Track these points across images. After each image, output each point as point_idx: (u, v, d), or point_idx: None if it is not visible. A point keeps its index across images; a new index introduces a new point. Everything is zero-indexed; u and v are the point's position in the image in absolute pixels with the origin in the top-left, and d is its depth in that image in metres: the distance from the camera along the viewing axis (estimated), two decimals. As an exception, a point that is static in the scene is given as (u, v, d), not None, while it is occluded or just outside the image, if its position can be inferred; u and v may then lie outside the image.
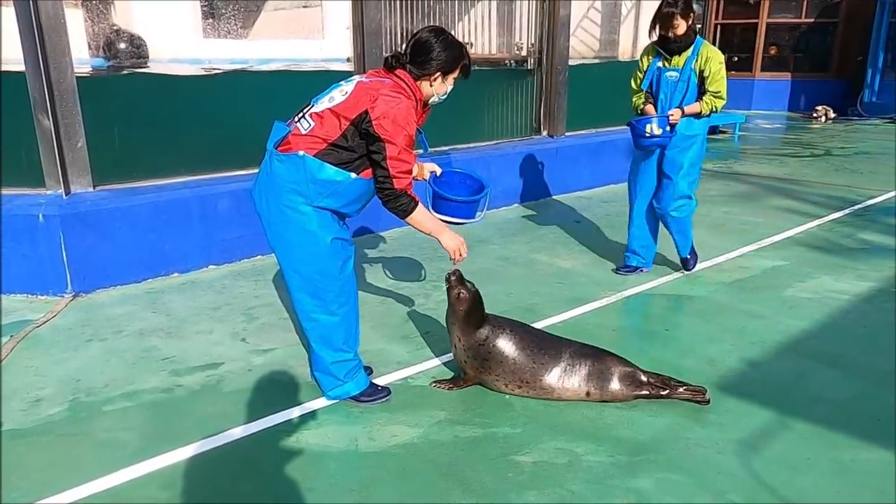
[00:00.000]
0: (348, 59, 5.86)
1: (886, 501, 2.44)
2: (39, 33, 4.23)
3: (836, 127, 14.05)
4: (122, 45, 4.94)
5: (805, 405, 3.08)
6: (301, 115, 2.79)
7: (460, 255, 2.95)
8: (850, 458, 2.69)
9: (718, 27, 17.13)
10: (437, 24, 6.14)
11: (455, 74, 2.89)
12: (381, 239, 5.80)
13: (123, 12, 5.09)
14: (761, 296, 4.44)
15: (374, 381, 3.22)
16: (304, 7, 6.47)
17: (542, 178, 7.32)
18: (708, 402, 3.06)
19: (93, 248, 4.47)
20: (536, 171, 7.24)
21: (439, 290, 4.46)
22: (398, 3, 6.09)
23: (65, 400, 3.15)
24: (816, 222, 6.32)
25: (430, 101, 2.92)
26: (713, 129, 12.42)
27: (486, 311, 3.18)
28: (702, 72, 4.33)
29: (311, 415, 3.02)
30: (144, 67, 5.05)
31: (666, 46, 4.36)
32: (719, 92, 4.34)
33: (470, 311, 3.09)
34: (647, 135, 4.30)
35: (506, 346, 3.09)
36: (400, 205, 2.77)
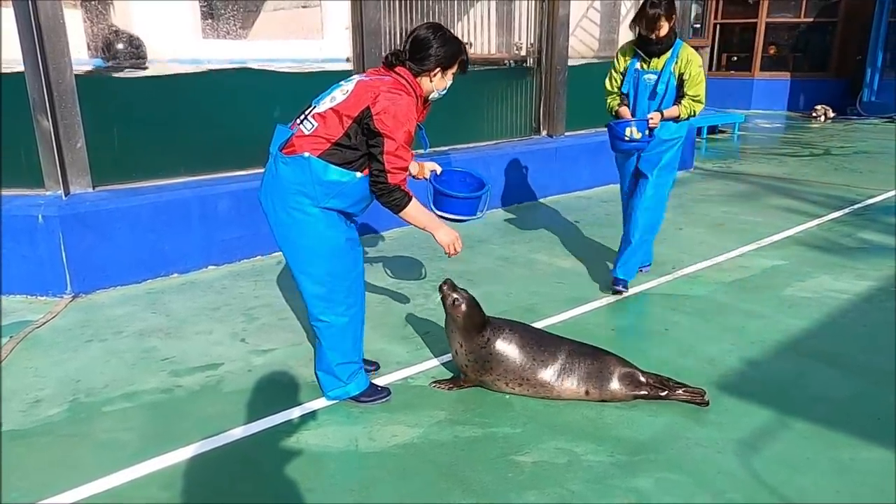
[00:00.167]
0: (348, 59, 5.86)
1: (886, 501, 2.45)
2: (38, 34, 4.23)
3: (836, 126, 14.05)
4: (121, 46, 4.94)
5: (805, 404, 3.09)
6: (303, 116, 2.80)
7: (455, 249, 2.97)
8: (849, 458, 2.69)
9: (717, 27, 17.12)
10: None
11: (454, 69, 2.91)
12: (382, 239, 5.80)
13: (122, 13, 5.09)
14: (761, 295, 4.44)
15: (373, 381, 3.22)
16: (304, 7, 6.47)
17: (541, 177, 7.32)
18: (707, 403, 3.06)
19: (92, 248, 4.47)
20: (536, 170, 7.24)
21: (439, 290, 4.46)
22: (397, 3, 6.09)
23: (64, 401, 3.15)
24: (816, 222, 6.32)
25: (430, 97, 2.94)
26: (712, 129, 12.43)
27: (485, 312, 3.18)
28: (681, 75, 4.21)
29: (311, 415, 3.02)
30: (143, 68, 5.05)
31: (646, 48, 4.22)
32: (698, 96, 4.22)
33: (468, 316, 3.08)
34: (627, 138, 4.18)
35: (506, 345, 3.09)
36: (393, 199, 2.78)
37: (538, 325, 3.80)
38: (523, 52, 7.43)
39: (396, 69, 2.83)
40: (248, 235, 5.14)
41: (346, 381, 3.06)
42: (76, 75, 4.44)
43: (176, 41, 5.31)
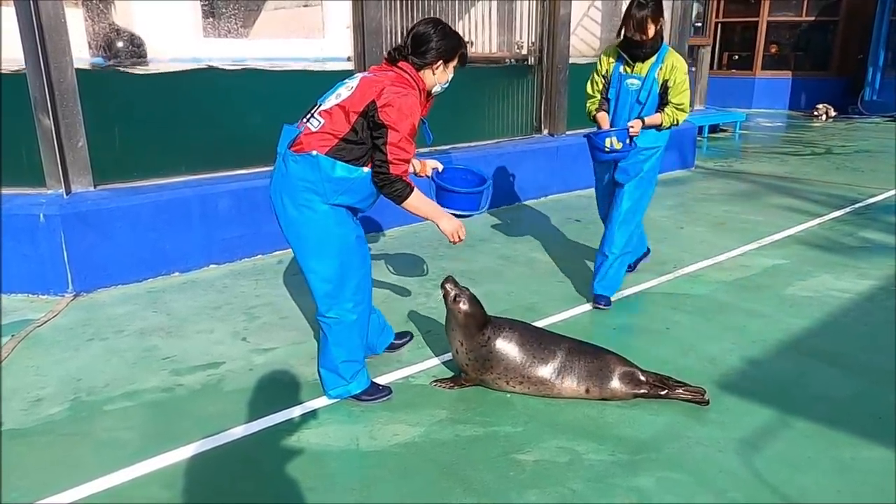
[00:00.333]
0: (349, 59, 5.86)
1: (887, 500, 2.44)
2: (40, 33, 4.23)
3: (837, 125, 14.04)
4: (122, 45, 4.95)
5: (806, 403, 3.08)
6: (310, 115, 2.84)
7: (459, 237, 3.00)
8: (850, 457, 2.68)
9: (719, 25, 17.10)
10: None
11: (455, 62, 2.97)
12: (383, 237, 5.80)
13: (123, 12, 5.09)
14: (762, 294, 4.44)
15: (374, 380, 3.22)
16: (305, 6, 6.47)
17: (542, 176, 7.32)
18: (707, 402, 3.06)
19: (93, 247, 4.47)
20: (537, 169, 7.24)
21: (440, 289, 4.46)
22: (398, 2, 6.09)
23: (65, 399, 3.15)
24: (817, 221, 6.32)
25: (433, 91, 3.00)
26: (714, 128, 12.42)
27: (486, 311, 3.18)
28: (665, 81, 4.00)
29: (312, 414, 3.02)
30: (144, 67, 5.05)
31: (631, 51, 4.02)
32: (682, 104, 4.03)
33: (469, 314, 3.09)
34: (607, 149, 3.98)
35: (507, 343, 3.09)
36: (395, 190, 2.81)
37: (539, 323, 3.80)
38: (524, 51, 7.42)
39: (399, 64, 2.88)
40: (249, 234, 5.14)
41: (349, 379, 3.07)
42: (78, 69, 4.43)
43: (177, 40, 5.31)
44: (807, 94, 16.53)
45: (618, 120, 4.15)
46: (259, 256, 5.25)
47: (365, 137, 2.76)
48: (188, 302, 4.36)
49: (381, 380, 3.28)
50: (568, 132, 7.68)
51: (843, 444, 2.77)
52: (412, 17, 6.17)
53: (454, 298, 3.09)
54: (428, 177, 3.29)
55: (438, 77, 2.95)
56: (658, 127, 4.12)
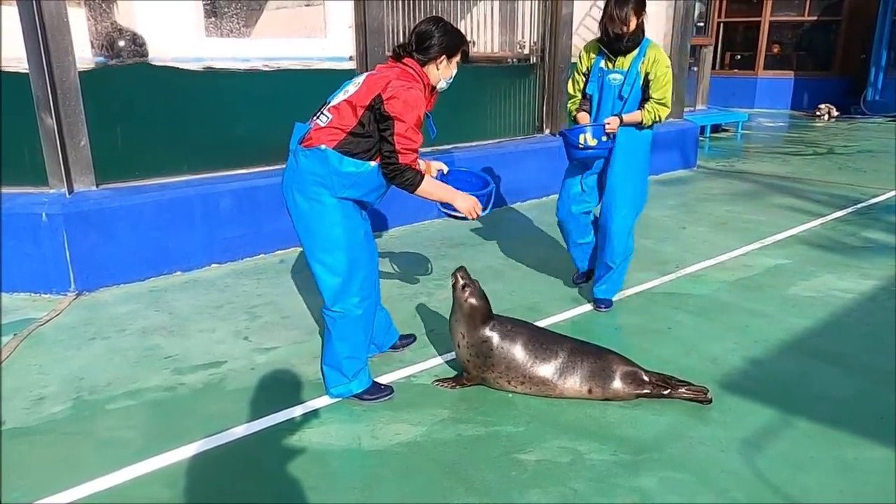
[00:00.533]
0: (351, 58, 5.86)
1: (890, 500, 2.44)
2: (42, 32, 4.23)
3: (839, 125, 14.02)
4: (124, 44, 4.95)
5: (808, 403, 3.08)
6: (319, 112, 2.91)
7: (476, 213, 3.07)
8: (853, 457, 2.68)
9: (721, 25, 17.09)
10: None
11: (457, 58, 3.04)
12: (386, 236, 5.80)
13: (126, 11, 5.09)
14: (764, 294, 4.43)
15: (376, 379, 3.22)
16: (307, 6, 6.47)
17: (544, 176, 7.30)
18: (710, 401, 3.06)
19: (96, 246, 4.47)
20: (539, 169, 7.22)
21: (442, 288, 4.46)
22: (400, 1, 6.09)
23: (68, 398, 3.15)
24: (819, 221, 6.31)
25: (437, 87, 3.06)
26: (716, 128, 12.41)
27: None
28: (647, 74, 3.87)
29: (314, 413, 3.02)
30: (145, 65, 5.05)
31: (612, 45, 3.86)
32: (664, 99, 3.88)
33: (476, 306, 3.10)
34: (581, 146, 3.88)
35: (508, 342, 3.09)
36: (406, 179, 2.85)
37: (540, 323, 3.80)
38: (526, 51, 7.41)
39: (404, 60, 2.95)
40: (251, 234, 5.15)
41: (351, 377, 3.07)
42: (79, 73, 4.44)
43: (179, 40, 5.31)
44: (809, 94, 16.52)
45: (600, 117, 4.02)
46: (261, 256, 5.25)
47: (372, 130, 2.81)
48: (190, 301, 4.37)
49: (383, 379, 3.28)
50: (570, 132, 7.67)
51: (845, 444, 2.77)
52: (414, 16, 6.16)
53: (462, 288, 3.10)
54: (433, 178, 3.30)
55: (442, 72, 3.01)
56: (639, 125, 3.97)
